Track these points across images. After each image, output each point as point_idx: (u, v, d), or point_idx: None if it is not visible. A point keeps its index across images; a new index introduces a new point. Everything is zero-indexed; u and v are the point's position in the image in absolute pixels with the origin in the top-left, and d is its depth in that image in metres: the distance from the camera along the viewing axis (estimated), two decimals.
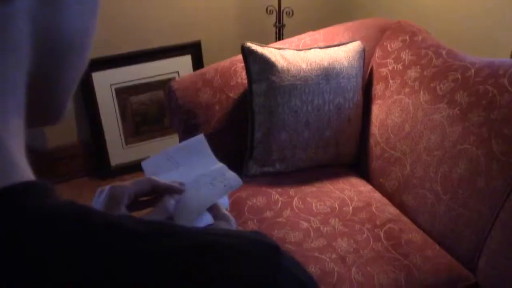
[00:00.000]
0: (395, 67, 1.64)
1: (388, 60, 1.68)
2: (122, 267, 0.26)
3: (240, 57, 1.65)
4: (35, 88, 0.31)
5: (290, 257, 0.31)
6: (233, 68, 1.71)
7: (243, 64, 1.62)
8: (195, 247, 0.28)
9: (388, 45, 1.70)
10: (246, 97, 1.63)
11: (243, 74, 1.67)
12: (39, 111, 0.34)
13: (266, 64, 1.57)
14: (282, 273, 0.29)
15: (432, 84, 1.50)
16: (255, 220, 1.45)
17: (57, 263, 0.25)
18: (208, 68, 1.73)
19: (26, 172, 0.30)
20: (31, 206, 0.27)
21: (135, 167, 2.41)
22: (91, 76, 2.23)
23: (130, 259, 0.26)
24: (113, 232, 0.27)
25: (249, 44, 1.59)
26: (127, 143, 2.39)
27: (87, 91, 2.25)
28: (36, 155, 2.32)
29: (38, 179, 0.29)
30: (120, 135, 2.37)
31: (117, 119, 2.34)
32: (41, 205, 0.27)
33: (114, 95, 2.30)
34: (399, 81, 1.61)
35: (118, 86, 2.30)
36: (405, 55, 1.63)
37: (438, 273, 1.29)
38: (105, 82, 2.27)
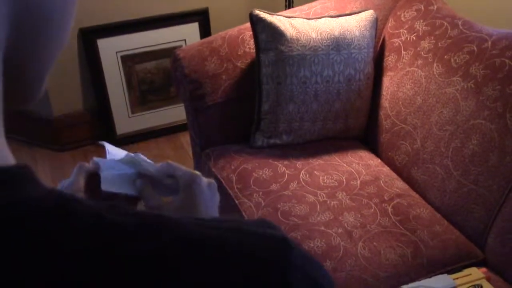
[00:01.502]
0: (408, 38, 1.58)
1: (401, 30, 1.62)
2: (103, 270, 0.23)
3: (248, 25, 1.60)
4: (12, 69, 0.29)
5: (301, 251, 0.28)
6: (240, 37, 1.66)
7: (251, 33, 1.57)
8: (191, 244, 0.26)
9: (402, 15, 1.64)
10: (254, 67, 1.59)
11: (251, 43, 1.62)
12: (16, 92, 0.31)
13: (275, 33, 1.52)
14: (293, 272, 0.26)
15: (446, 56, 1.45)
16: (260, 193, 1.43)
17: (30, 264, 0.23)
18: (215, 36, 1.68)
19: (7, 158, 0.27)
20: (7, 197, 0.24)
21: (140, 137, 2.39)
22: (96, 43, 2.19)
23: (114, 261, 0.24)
24: (96, 229, 0.25)
25: (257, 11, 1.54)
26: (133, 112, 2.36)
27: (92, 58, 2.21)
28: (42, 123, 2.30)
29: (18, 164, 0.26)
30: (126, 103, 2.34)
31: (123, 88, 2.31)
32: (18, 197, 0.24)
33: (119, 62, 2.27)
34: (412, 52, 1.56)
35: (123, 53, 2.26)
36: (419, 25, 1.57)
37: (446, 249, 1.27)
38: (110, 49, 2.23)
